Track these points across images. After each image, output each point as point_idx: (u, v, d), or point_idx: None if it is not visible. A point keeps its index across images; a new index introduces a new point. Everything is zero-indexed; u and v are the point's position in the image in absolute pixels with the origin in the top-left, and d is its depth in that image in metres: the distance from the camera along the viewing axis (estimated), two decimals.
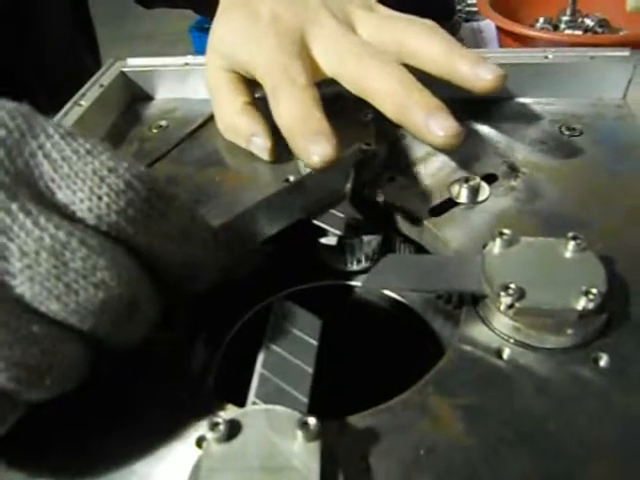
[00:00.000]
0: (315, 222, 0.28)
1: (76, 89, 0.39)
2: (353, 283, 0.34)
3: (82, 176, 0.18)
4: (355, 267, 0.33)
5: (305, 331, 0.23)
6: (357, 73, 0.31)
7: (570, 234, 0.23)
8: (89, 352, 0.19)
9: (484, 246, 0.25)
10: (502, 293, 0.22)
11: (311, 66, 0.32)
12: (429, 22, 0.32)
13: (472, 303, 0.24)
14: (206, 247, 0.22)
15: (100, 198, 0.18)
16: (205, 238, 0.22)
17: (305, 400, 0.21)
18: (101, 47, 0.67)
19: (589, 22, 0.64)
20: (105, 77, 0.40)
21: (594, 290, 0.21)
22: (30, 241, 0.17)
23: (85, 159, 0.19)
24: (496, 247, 0.24)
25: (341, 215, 0.28)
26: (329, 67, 0.32)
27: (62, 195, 0.18)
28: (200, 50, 0.36)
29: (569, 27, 0.64)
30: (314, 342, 0.22)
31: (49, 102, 0.34)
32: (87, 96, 0.38)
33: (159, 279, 0.21)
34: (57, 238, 0.17)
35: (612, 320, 0.23)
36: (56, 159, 0.18)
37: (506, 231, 0.24)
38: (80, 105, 0.37)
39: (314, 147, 0.27)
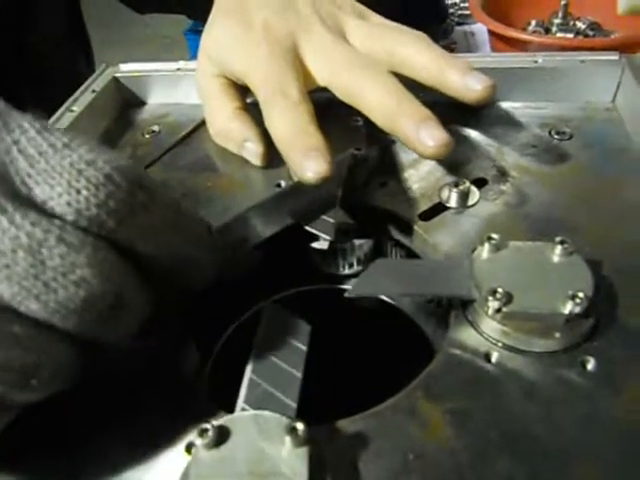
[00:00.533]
0: (306, 228, 0.28)
1: (70, 94, 0.39)
2: (345, 287, 0.34)
3: (59, 170, 0.18)
4: (347, 271, 0.33)
5: (295, 336, 0.23)
6: (348, 83, 0.31)
7: (558, 238, 0.24)
8: (77, 351, 0.19)
9: (473, 250, 0.25)
10: (490, 297, 0.22)
11: (304, 75, 0.32)
12: (419, 33, 0.33)
13: (461, 307, 0.24)
14: (196, 240, 0.21)
15: (79, 192, 0.18)
16: (194, 230, 0.21)
17: (294, 405, 0.21)
18: (96, 51, 0.67)
19: (581, 25, 0.64)
20: (97, 83, 0.40)
21: (581, 294, 0.22)
22: (6, 240, 0.17)
23: (62, 153, 0.18)
24: (484, 251, 0.24)
25: (331, 220, 0.28)
26: (320, 76, 0.32)
27: (39, 191, 0.18)
28: (195, 53, 0.37)
29: (561, 30, 0.65)
30: (303, 347, 0.23)
31: (42, 107, 0.34)
32: (79, 102, 0.38)
33: (150, 274, 0.20)
34: (34, 236, 0.17)
35: (599, 324, 0.23)
36: (32, 154, 0.18)
37: (494, 236, 0.24)
38: (72, 111, 0.37)
39: (308, 163, 0.27)
